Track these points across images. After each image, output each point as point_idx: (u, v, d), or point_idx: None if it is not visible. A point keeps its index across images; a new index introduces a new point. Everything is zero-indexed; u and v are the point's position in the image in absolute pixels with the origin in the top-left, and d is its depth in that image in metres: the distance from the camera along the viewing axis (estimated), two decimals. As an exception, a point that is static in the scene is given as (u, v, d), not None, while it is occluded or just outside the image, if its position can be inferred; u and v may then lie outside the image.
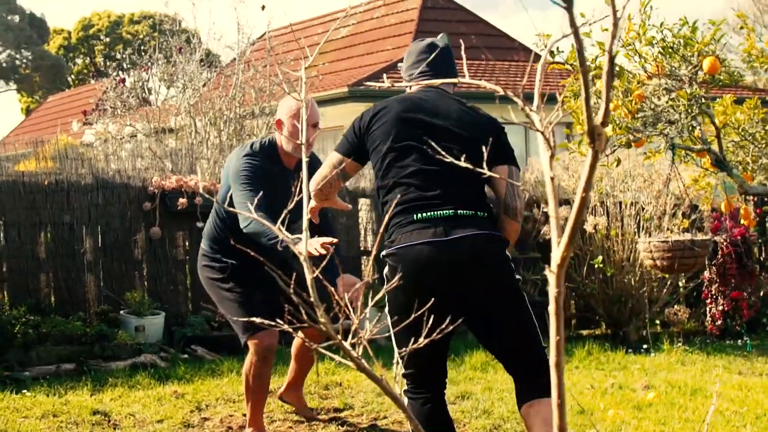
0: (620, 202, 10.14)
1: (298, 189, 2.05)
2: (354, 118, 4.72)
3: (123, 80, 15.20)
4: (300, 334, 1.92)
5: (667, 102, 4.68)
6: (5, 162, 9.77)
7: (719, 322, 9.84)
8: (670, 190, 8.90)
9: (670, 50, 4.64)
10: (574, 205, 1.41)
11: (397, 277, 2.64)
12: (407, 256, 4.28)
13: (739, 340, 10.10)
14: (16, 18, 50.04)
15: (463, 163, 1.95)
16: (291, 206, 2.06)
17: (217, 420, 6.45)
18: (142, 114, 14.14)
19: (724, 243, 9.60)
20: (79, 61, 49.01)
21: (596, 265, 9.97)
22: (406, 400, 4.41)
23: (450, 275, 4.27)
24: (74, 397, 7.08)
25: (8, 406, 6.76)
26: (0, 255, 8.96)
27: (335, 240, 4.82)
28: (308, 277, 1.71)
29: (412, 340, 2.07)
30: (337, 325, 1.66)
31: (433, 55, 4.63)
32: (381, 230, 2.28)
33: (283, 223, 1.96)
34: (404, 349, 2.48)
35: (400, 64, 4.96)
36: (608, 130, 4.74)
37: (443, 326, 2.26)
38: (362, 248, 10.70)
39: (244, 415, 6.11)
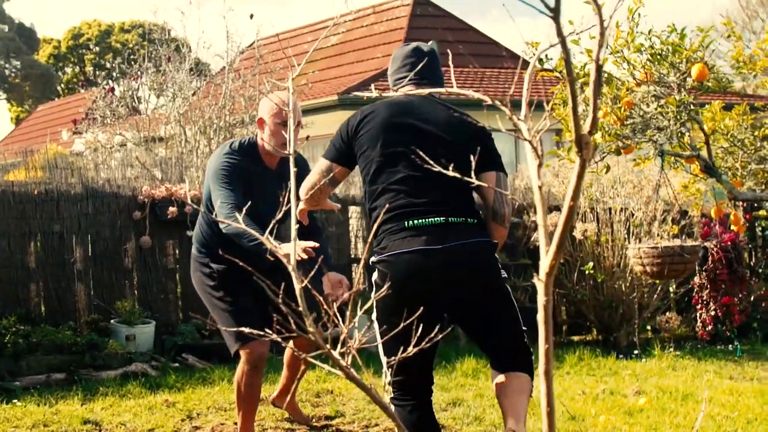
0: (610, 209, 10.16)
1: (286, 193, 2.05)
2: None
3: (112, 89, 15.18)
4: (290, 344, 1.92)
5: (656, 109, 4.69)
6: (-5, 172, 9.75)
7: (710, 327, 9.85)
8: (660, 196, 8.91)
9: (658, 57, 4.65)
10: (561, 213, 1.42)
11: (387, 285, 2.65)
12: (398, 263, 4.28)
13: (730, 345, 10.12)
14: (5, 27, 49.97)
15: (451, 173, 1.96)
16: (279, 214, 2.06)
17: (208, 429, 6.44)
18: (132, 123, 14.12)
19: (715, 249, 9.62)
20: (68, 70, 48.95)
21: (587, 271, 9.99)
22: (393, 408, 4.41)
23: (441, 282, 4.29)
24: (65, 406, 7.07)
25: (-2, 417, 6.74)
26: (-10, 265, 8.94)
27: (317, 244, 4.80)
28: (297, 286, 1.71)
29: (401, 348, 2.07)
30: (326, 333, 1.66)
31: (419, 61, 4.63)
32: (370, 237, 2.28)
33: (268, 227, 1.96)
34: (393, 357, 2.48)
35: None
36: (598, 137, 4.75)
37: (432, 335, 2.26)
38: (353, 256, 10.70)
39: (236, 423, 6.09)
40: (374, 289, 4.41)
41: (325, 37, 22.67)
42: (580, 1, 3.69)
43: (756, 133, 4.99)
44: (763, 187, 5.12)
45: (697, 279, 9.80)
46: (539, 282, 1.42)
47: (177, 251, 9.76)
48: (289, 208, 1.94)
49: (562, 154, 5.06)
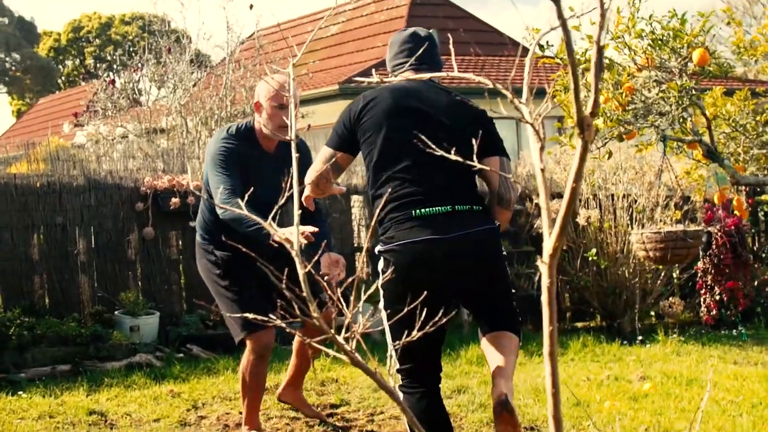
0: (612, 195, 10.15)
1: (288, 177, 2.04)
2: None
3: (113, 81, 15.19)
4: (299, 332, 1.93)
5: (657, 94, 4.69)
6: (-3, 165, 9.76)
7: (714, 312, 9.86)
8: (662, 181, 8.90)
9: (659, 42, 4.65)
10: (564, 195, 1.42)
11: (389, 271, 2.66)
12: (406, 252, 4.29)
13: (734, 330, 10.13)
14: (5, 20, 49.95)
15: (457, 157, 1.96)
16: (282, 200, 2.06)
17: (213, 418, 6.46)
18: (133, 115, 14.14)
19: (718, 233, 9.62)
20: (69, 63, 48.93)
21: (590, 258, 9.99)
22: (401, 396, 4.43)
23: (447, 271, 4.33)
24: (70, 397, 7.08)
25: (4, 408, 6.75)
26: (-7, 258, 8.95)
27: (316, 229, 4.81)
28: (300, 272, 1.71)
29: (407, 333, 2.08)
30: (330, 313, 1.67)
31: (417, 46, 4.60)
32: (372, 224, 2.28)
33: (267, 212, 1.96)
34: (398, 343, 2.49)
35: None
36: (599, 122, 4.75)
37: (438, 319, 2.27)
38: (356, 245, 10.71)
39: (241, 412, 6.10)
40: (380, 277, 4.41)
41: (325, 27, 22.65)
42: (580, -14, 3.69)
43: (758, 118, 4.99)
44: (766, 171, 5.12)
45: (700, 264, 9.81)
46: (543, 264, 1.42)
47: (180, 242, 9.76)
48: (292, 193, 1.94)
49: (564, 140, 5.06)
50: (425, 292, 2.88)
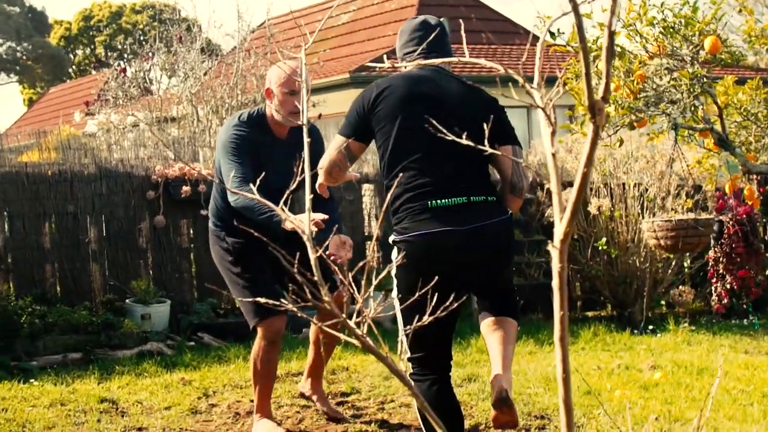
0: (624, 184, 10.13)
1: (299, 163, 2.04)
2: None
3: (124, 70, 15.21)
4: (314, 320, 1.93)
5: (668, 82, 4.68)
6: (8, 153, 9.77)
7: (725, 301, 9.83)
8: (674, 170, 8.88)
9: (671, 30, 4.64)
10: (575, 180, 1.42)
11: (407, 262, 2.66)
12: (421, 243, 4.30)
13: (745, 320, 10.11)
14: (17, 10, 50.03)
15: (473, 143, 1.96)
16: (293, 185, 2.06)
17: (224, 406, 6.47)
18: (144, 103, 14.15)
19: (730, 222, 9.59)
20: (79, 52, 48.99)
21: (601, 247, 9.98)
22: (412, 383, 4.44)
23: (463, 263, 4.35)
24: (81, 385, 7.11)
25: (16, 396, 6.79)
26: (5, 246, 8.97)
27: (326, 216, 4.82)
28: (311, 256, 1.71)
29: (417, 318, 2.09)
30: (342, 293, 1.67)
31: (427, 34, 4.58)
32: (382, 212, 2.28)
33: (278, 198, 1.96)
34: (409, 328, 2.49)
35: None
36: (611, 110, 4.75)
37: (448, 305, 2.28)
38: (366, 233, 10.71)
39: (252, 400, 6.11)
40: (394, 268, 4.41)
41: (336, 15, 22.63)
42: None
43: (769, 106, 4.98)
44: (777, 160, 5.11)
45: (711, 253, 9.78)
46: (554, 249, 1.42)
47: (191, 230, 9.79)
48: (303, 179, 1.94)
49: (575, 128, 5.05)
50: (437, 279, 2.88)
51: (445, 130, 2.33)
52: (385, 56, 2.82)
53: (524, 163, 2.53)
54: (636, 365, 7.65)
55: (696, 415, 5.82)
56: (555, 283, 1.40)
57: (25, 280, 8.95)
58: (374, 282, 1.84)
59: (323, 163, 4.61)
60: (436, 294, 2.41)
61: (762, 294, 10.26)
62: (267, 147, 5.55)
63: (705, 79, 4.67)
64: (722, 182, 7.96)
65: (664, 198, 9.68)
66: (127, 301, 9.03)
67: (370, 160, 10.38)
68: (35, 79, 49.17)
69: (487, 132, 2.42)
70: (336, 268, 1.81)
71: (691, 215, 5.94)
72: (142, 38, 14.79)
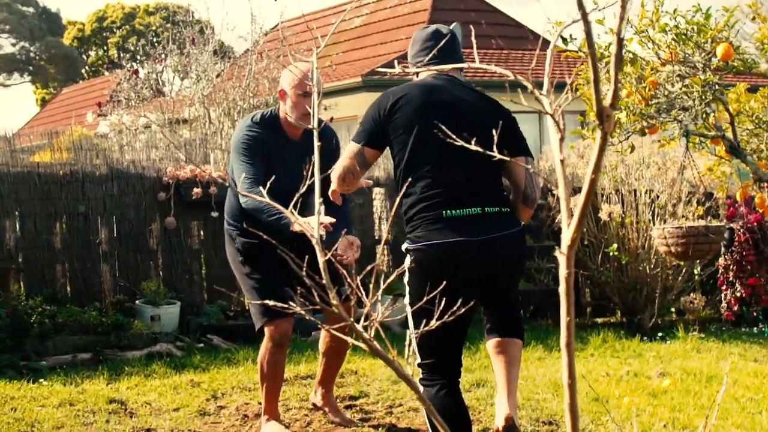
0: (635, 190, 10.12)
1: (309, 166, 2.05)
2: (368, 107, 4.69)
3: (137, 71, 15.26)
4: (322, 325, 1.93)
5: (680, 89, 4.67)
6: (21, 153, 9.80)
7: (735, 309, 9.81)
8: (685, 177, 8.87)
9: (683, 37, 4.63)
10: (583, 186, 1.42)
11: (420, 271, 2.68)
12: (435, 253, 4.32)
13: (755, 328, 10.08)
14: (31, 10, 50.20)
15: (491, 153, 1.97)
16: (303, 188, 2.07)
17: (233, 408, 6.48)
18: (156, 105, 14.18)
19: (741, 230, 9.57)
20: (92, 53, 49.12)
21: (611, 253, 9.96)
22: (421, 389, 4.45)
23: (476, 273, 4.39)
24: (91, 386, 7.12)
25: (25, 395, 6.80)
26: (16, 245, 9.00)
27: (333, 220, 4.84)
28: (320, 259, 1.72)
29: (435, 331, 2.10)
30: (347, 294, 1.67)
31: (438, 43, 4.60)
32: (392, 215, 2.29)
33: (289, 200, 1.97)
34: (425, 341, 2.52)
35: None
36: (622, 116, 4.75)
37: (460, 312, 2.29)
38: (377, 237, 10.71)
39: (260, 403, 6.11)
40: (408, 275, 4.43)
41: (349, 19, 22.66)
42: (604, -21, 3.68)
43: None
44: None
45: (722, 260, 9.76)
46: (561, 255, 1.43)
47: (202, 232, 9.80)
48: (313, 182, 1.95)
49: (586, 134, 5.05)
50: (449, 288, 2.90)
51: (461, 141, 2.34)
52: (396, 62, 2.82)
53: (534, 171, 2.54)
54: (645, 372, 7.64)
55: (703, 422, 5.81)
56: (562, 288, 1.40)
57: (35, 279, 8.97)
58: (383, 285, 1.85)
59: (336, 170, 4.61)
60: (449, 303, 2.42)
61: (772, 302, 10.23)
62: (279, 148, 5.56)
63: (717, 87, 4.67)
64: (733, 190, 7.95)
65: (675, 205, 9.66)
66: (137, 302, 9.05)
67: (380, 164, 10.39)
68: (48, 80, 49.33)
69: (497, 141, 2.43)
70: (345, 273, 1.81)
71: (702, 222, 5.94)
72: (155, 40, 14.83)
